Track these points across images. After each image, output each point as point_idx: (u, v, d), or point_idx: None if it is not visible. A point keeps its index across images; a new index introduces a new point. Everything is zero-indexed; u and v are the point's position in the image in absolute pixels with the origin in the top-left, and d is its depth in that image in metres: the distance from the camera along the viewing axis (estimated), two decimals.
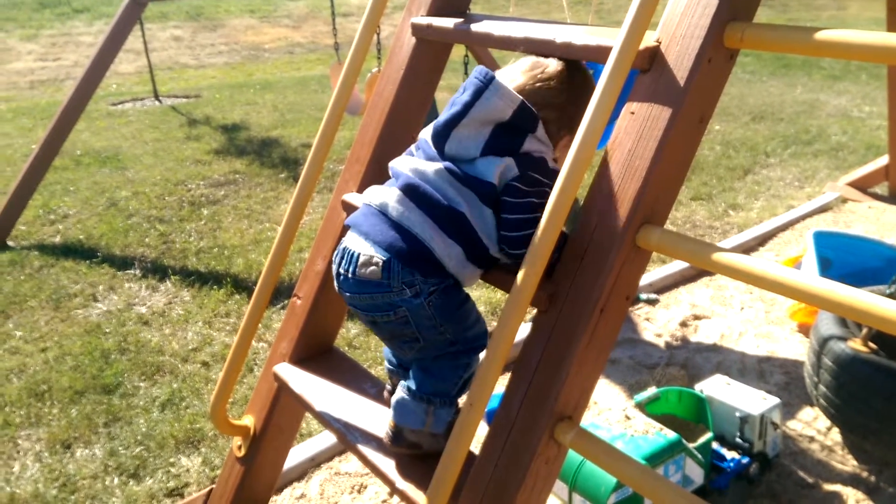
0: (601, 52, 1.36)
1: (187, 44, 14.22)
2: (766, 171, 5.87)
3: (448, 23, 1.70)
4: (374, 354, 3.23)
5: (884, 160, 4.96)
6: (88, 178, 5.73)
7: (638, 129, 1.31)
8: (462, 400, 1.47)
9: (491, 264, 1.39)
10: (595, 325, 1.29)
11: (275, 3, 17.54)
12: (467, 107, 1.33)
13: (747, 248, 4.35)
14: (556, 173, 1.26)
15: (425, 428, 1.41)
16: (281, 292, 3.72)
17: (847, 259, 3.44)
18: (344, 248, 1.38)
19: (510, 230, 1.32)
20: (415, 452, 1.44)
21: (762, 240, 4.47)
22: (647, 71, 1.32)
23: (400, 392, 1.43)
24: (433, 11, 1.80)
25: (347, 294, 1.38)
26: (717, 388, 2.58)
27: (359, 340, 3.33)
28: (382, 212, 1.35)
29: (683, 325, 3.53)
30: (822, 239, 3.45)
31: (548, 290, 1.33)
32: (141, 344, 3.39)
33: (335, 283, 1.43)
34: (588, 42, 1.40)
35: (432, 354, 1.42)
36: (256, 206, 5.10)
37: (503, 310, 1.25)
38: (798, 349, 3.28)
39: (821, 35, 1.15)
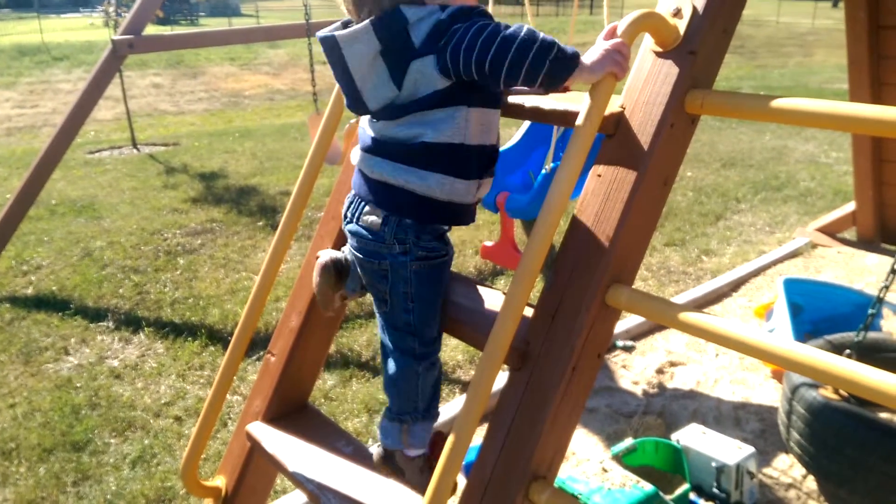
0: (569, 117, 1.40)
1: (167, 91, 14.32)
2: (737, 216, 5.99)
3: None
4: (351, 406, 3.20)
5: (851, 206, 5.08)
6: (63, 227, 5.69)
7: (605, 191, 1.34)
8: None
9: (481, 164, 1.34)
10: (567, 384, 1.30)
11: (255, 50, 17.79)
12: (347, 72, 1.29)
13: (721, 294, 4.41)
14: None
15: (404, 446, 1.44)
16: (257, 343, 3.68)
17: (817, 305, 3.50)
18: (355, 195, 1.42)
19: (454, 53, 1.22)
20: (397, 479, 1.47)
21: (735, 285, 4.54)
22: (612, 135, 1.36)
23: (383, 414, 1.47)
24: None
25: (349, 233, 1.42)
26: (694, 437, 2.59)
27: (335, 392, 3.31)
28: (363, 172, 1.39)
29: (660, 372, 3.55)
30: (792, 286, 3.51)
31: (520, 349, 1.34)
32: (112, 399, 3.33)
33: (343, 221, 1.45)
34: (556, 107, 1.45)
35: (390, 335, 1.42)
36: (233, 254, 5.08)
37: (477, 369, 1.26)
38: (773, 395, 3.31)
39: (775, 103, 1.20)
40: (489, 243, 2.84)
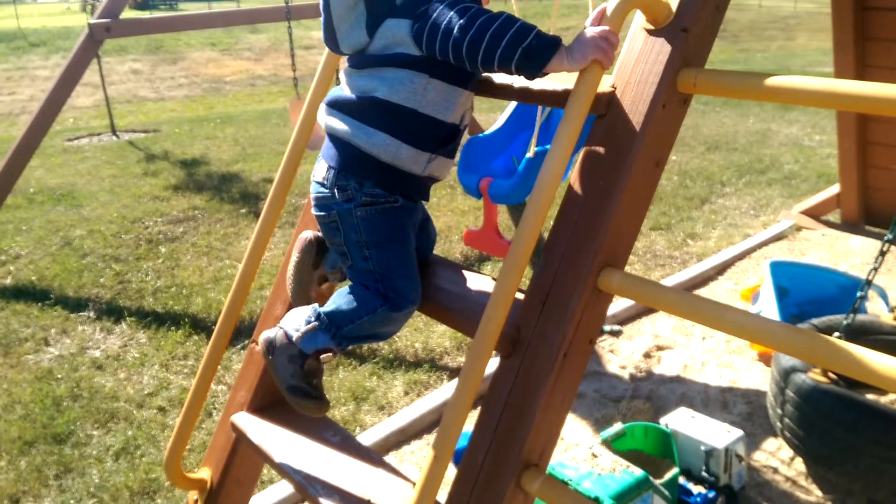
0: (559, 97, 1.37)
1: (146, 77, 14.09)
2: (722, 200, 5.99)
3: None
4: (337, 395, 3.17)
5: (835, 189, 5.09)
6: (42, 216, 5.58)
7: (596, 173, 1.31)
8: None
9: (436, 139, 1.32)
10: (559, 370, 1.28)
11: (236, 35, 17.53)
12: (328, 7, 1.32)
13: (707, 278, 4.41)
14: None
15: (295, 336, 1.38)
16: (241, 332, 3.64)
17: (803, 288, 3.51)
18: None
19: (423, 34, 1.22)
20: (266, 361, 1.42)
21: (721, 269, 4.54)
22: (603, 116, 1.33)
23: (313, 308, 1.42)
24: None
25: (311, 193, 1.42)
26: (682, 421, 2.59)
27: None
28: (325, 129, 1.40)
29: (647, 356, 3.55)
30: (778, 268, 3.51)
31: (511, 335, 1.32)
32: (94, 390, 3.27)
33: None
34: (545, 87, 1.41)
35: (358, 273, 1.40)
36: (216, 242, 5.01)
37: (467, 355, 1.23)
38: (759, 378, 3.32)
39: (770, 81, 1.17)
40: (473, 229, 2.81)
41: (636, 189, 1.30)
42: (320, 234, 1.51)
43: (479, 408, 1.35)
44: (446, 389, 3.15)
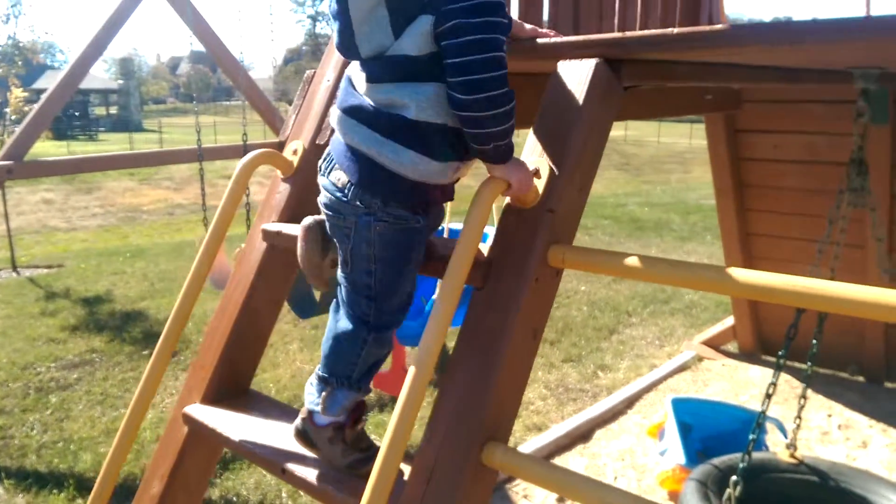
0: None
1: (59, 207, 13.78)
2: (629, 330, 6.18)
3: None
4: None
5: (730, 320, 5.36)
6: None
7: (476, 345, 1.34)
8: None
9: (462, 146, 1.29)
10: None
11: (155, 166, 17.54)
12: (346, 10, 1.26)
13: (617, 412, 4.45)
14: None
15: (319, 409, 1.41)
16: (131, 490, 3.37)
17: (706, 423, 3.58)
18: (328, 152, 1.40)
19: (453, 76, 1.20)
20: (313, 451, 1.46)
21: (630, 402, 4.61)
22: (481, 289, 1.38)
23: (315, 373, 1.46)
24: (285, 218, 1.83)
25: (321, 186, 1.39)
26: None
27: None
28: (338, 132, 1.36)
29: (560, 500, 3.48)
30: (680, 405, 3.59)
31: None
32: None
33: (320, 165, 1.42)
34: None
35: (348, 296, 1.40)
36: (113, 389, 4.73)
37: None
38: None
39: (628, 261, 1.25)
40: (381, 371, 2.77)
41: (515, 359, 1.33)
42: (322, 217, 1.47)
43: None
44: None
